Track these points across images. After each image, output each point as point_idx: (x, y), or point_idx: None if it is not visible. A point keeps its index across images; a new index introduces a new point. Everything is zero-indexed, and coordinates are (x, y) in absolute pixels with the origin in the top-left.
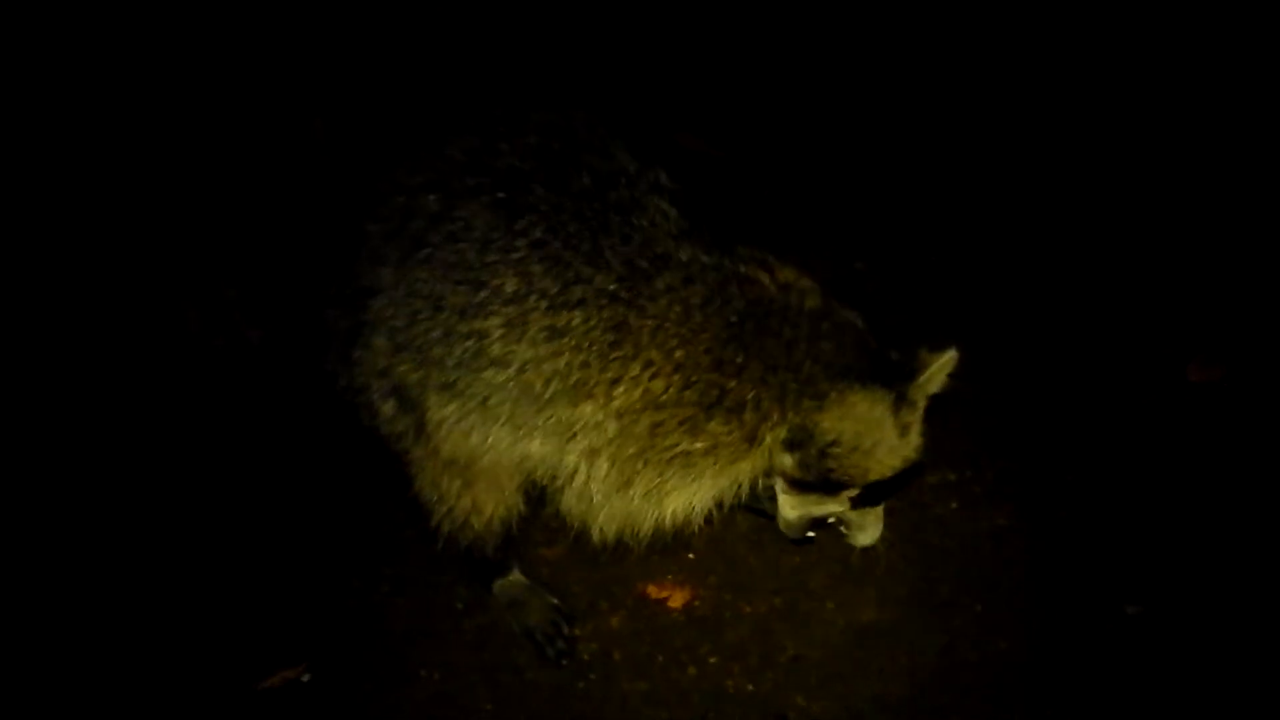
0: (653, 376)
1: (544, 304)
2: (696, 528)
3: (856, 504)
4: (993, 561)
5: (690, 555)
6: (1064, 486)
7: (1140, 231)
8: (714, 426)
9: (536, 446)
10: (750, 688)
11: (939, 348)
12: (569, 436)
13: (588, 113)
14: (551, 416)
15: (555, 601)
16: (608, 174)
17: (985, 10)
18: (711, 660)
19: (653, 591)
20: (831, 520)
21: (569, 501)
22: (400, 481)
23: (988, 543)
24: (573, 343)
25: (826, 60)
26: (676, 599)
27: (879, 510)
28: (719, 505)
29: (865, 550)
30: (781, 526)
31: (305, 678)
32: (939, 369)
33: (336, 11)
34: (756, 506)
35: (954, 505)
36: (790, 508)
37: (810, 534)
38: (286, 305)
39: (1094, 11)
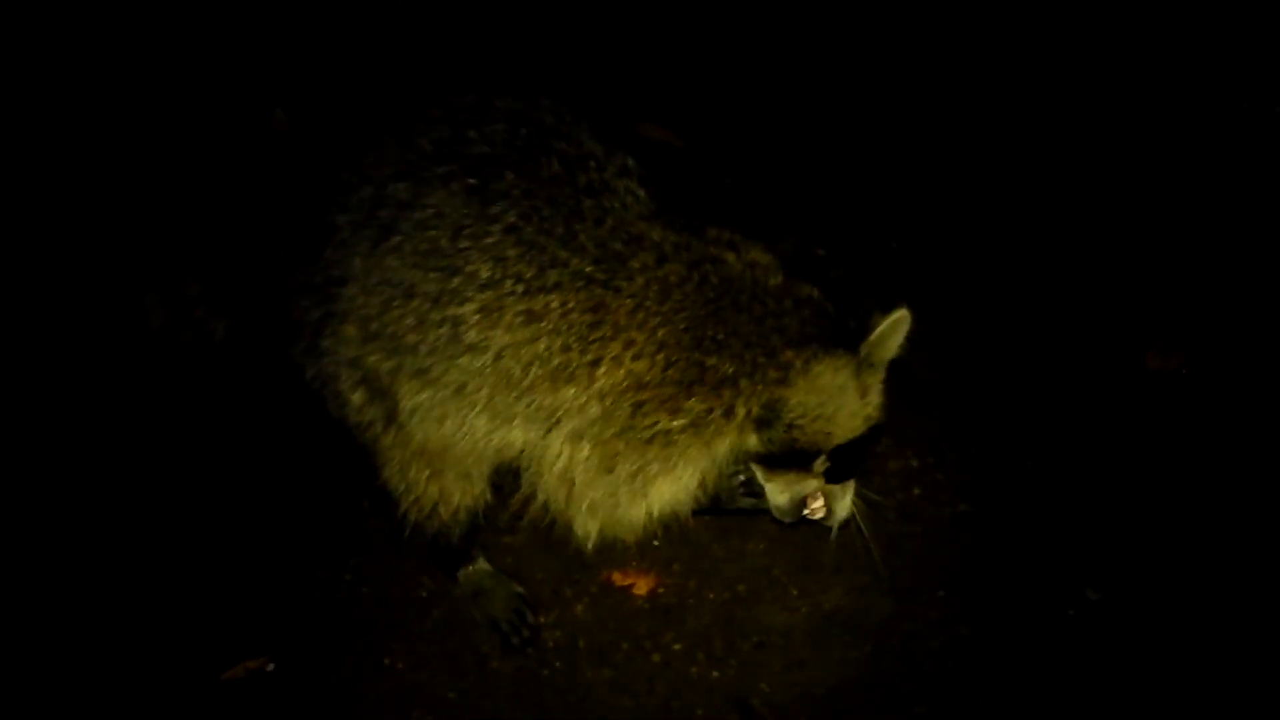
0: (635, 356)
1: (520, 288)
2: (684, 516)
3: (831, 476)
4: (955, 548)
5: (654, 543)
6: (1025, 473)
7: (1099, 220)
8: (693, 404)
9: (518, 434)
10: (714, 674)
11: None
12: (551, 422)
13: (553, 99)
14: (533, 402)
15: (519, 590)
16: (577, 158)
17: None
18: (675, 647)
19: (617, 579)
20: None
21: (550, 488)
22: (366, 471)
23: (950, 529)
24: (550, 326)
25: (787, 50)
26: (641, 586)
27: (851, 484)
28: (703, 489)
29: (828, 537)
30: (776, 514)
31: (270, 667)
32: (890, 327)
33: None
34: (721, 508)
35: (916, 492)
36: (778, 493)
37: (805, 512)
38: (250, 298)
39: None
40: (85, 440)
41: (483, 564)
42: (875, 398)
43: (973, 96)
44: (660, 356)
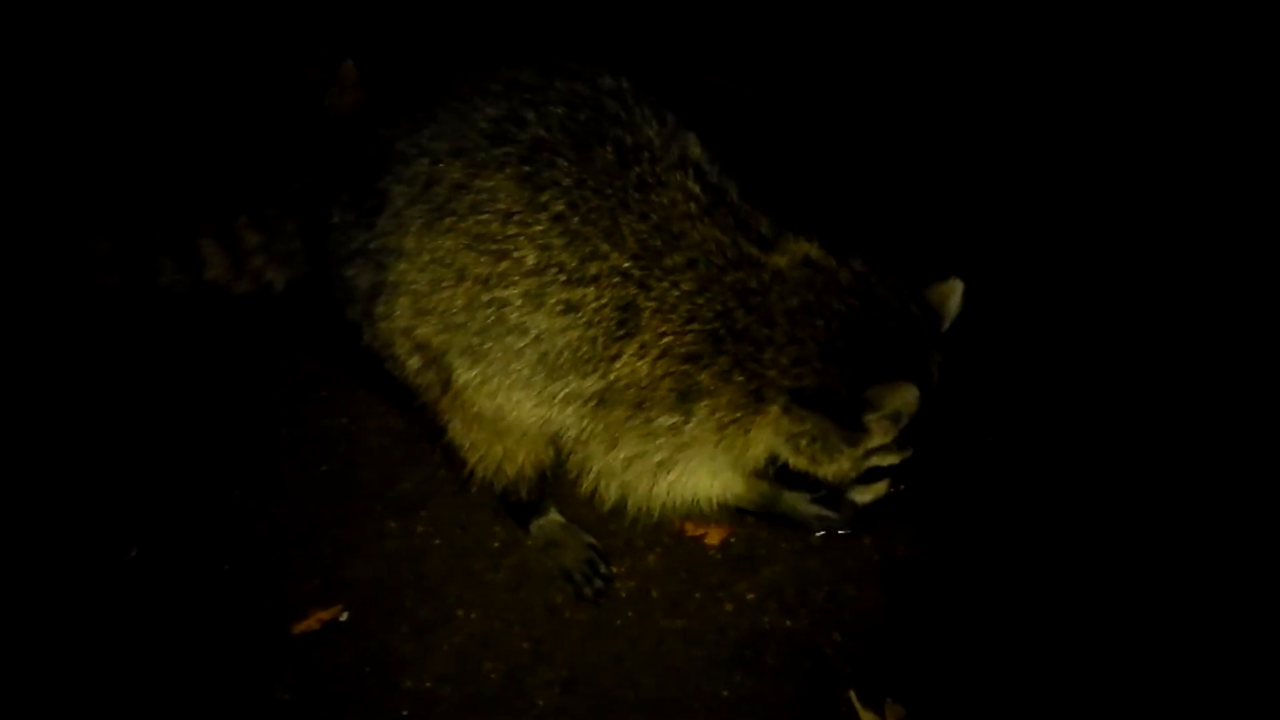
0: (643, 357)
1: (562, 278)
2: (710, 510)
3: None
4: (1030, 498)
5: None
6: (1100, 422)
7: (1142, 211)
8: (684, 413)
9: (556, 410)
10: (787, 624)
11: (895, 376)
12: (578, 403)
13: (616, 77)
14: (566, 385)
15: (591, 540)
16: (632, 147)
17: None
18: (748, 597)
19: (689, 529)
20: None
21: (574, 453)
22: (434, 424)
23: (1025, 479)
24: (585, 318)
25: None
26: (713, 536)
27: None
28: (733, 491)
29: (900, 488)
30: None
31: (343, 617)
32: (895, 397)
33: None
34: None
35: (990, 440)
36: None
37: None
38: (308, 251)
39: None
40: (149, 390)
41: (554, 515)
42: (873, 446)
43: (1033, 67)
44: (662, 363)
